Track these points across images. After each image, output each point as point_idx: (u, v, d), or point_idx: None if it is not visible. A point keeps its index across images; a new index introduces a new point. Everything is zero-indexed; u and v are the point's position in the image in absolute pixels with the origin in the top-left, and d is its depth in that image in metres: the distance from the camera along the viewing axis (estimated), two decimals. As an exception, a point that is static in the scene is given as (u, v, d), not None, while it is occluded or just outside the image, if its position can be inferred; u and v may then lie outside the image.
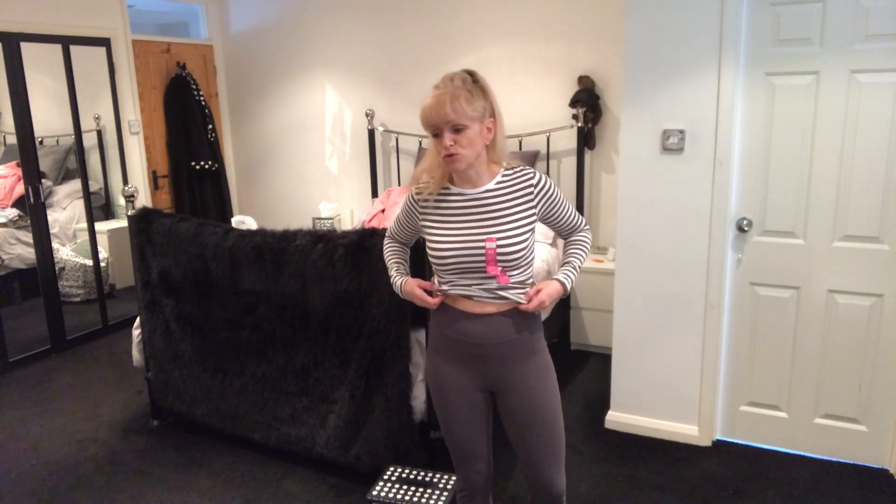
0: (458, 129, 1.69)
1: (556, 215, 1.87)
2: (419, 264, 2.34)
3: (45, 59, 4.26)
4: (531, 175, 1.81)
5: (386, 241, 2.06)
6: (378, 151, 5.02)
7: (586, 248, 1.95)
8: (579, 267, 1.92)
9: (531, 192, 1.80)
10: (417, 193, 1.85)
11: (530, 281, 1.84)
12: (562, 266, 1.92)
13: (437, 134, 1.72)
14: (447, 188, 1.82)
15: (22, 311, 4.38)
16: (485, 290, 1.78)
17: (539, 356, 1.87)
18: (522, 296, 1.80)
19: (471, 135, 1.70)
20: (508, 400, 1.86)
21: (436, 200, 1.82)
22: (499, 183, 1.79)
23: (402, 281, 1.92)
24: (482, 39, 4.51)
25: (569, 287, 1.86)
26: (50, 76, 4.31)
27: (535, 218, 1.81)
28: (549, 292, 1.80)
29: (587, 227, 1.97)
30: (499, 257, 1.73)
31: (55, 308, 4.29)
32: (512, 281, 1.78)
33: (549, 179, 1.84)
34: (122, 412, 3.49)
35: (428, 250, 1.83)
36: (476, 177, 1.78)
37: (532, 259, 1.83)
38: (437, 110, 1.68)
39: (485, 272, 1.75)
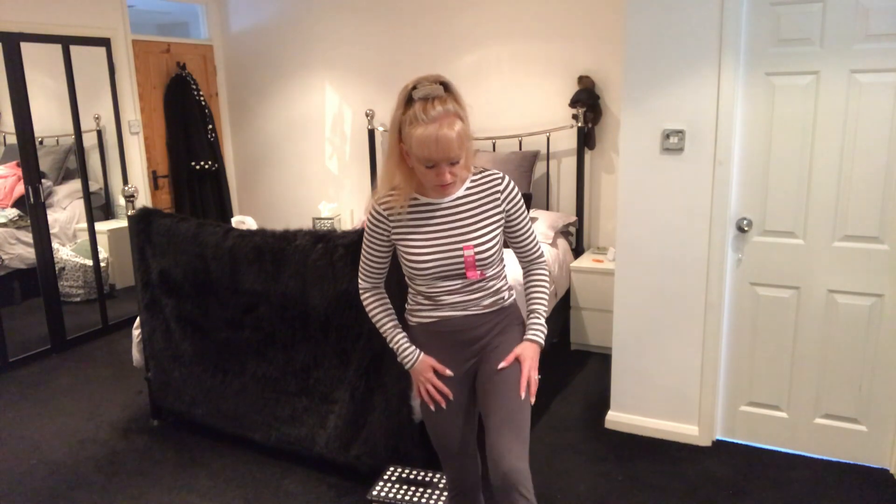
0: (454, 161, 1.68)
1: (515, 224, 1.85)
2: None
3: (45, 59, 4.26)
4: (498, 180, 1.81)
5: (363, 294, 1.94)
6: (378, 151, 5.02)
7: (547, 289, 1.92)
8: (545, 313, 1.91)
9: (498, 197, 1.81)
10: (388, 209, 1.79)
11: (503, 273, 1.88)
12: (528, 318, 1.90)
13: (430, 165, 1.67)
14: (416, 198, 1.80)
15: (22, 311, 4.38)
16: (467, 295, 1.81)
17: (516, 327, 1.90)
18: (499, 285, 1.86)
19: (463, 163, 1.71)
20: (481, 368, 1.86)
21: (407, 213, 1.79)
22: (468, 189, 1.80)
23: (415, 358, 1.87)
24: (482, 39, 4.51)
25: (543, 343, 1.87)
26: (50, 76, 4.31)
27: (503, 220, 1.83)
28: (530, 357, 1.83)
29: (544, 260, 1.94)
30: (477, 262, 1.76)
31: (55, 308, 4.29)
32: (488, 275, 1.82)
33: (515, 186, 1.84)
34: (122, 412, 3.49)
35: (403, 261, 1.81)
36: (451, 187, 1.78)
37: (502, 252, 1.86)
38: (443, 150, 1.63)
39: (464, 276, 1.78)
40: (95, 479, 2.88)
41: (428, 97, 1.63)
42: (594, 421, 3.20)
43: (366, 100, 5.04)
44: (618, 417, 3.13)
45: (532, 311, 1.90)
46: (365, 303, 1.94)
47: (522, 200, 1.85)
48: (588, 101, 4.11)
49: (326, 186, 5.42)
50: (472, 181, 1.81)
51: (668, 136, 2.78)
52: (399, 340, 1.89)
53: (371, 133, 4.97)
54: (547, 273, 1.94)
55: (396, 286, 2.07)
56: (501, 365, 1.82)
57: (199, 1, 5.46)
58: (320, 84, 5.24)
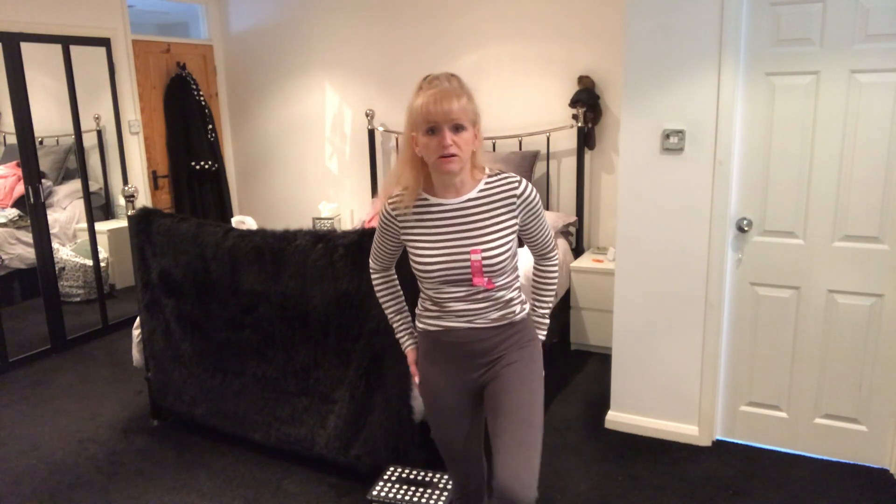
0: (458, 129, 1.63)
1: (533, 228, 1.80)
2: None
3: (45, 59, 4.26)
4: (515, 184, 1.74)
5: (373, 275, 1.95)
6: (378, 151, 5.03)
7: (555, 285, 1.90)
8: (550, 308, 1.90)
9: (513, 203, 1.73)
10: (395, 209, 1.77)
11: (516, 284, 1.81)
12: (534, 314, 1.89)
13: (432, 131, 1.63)
14: (425, 199, 1.75)
15: (22, 311, 4.38)
16: (475, 301, 1.76)
17: (526, 349, 1.84)
18: (510, 296, 1.79)
19: (467, 137, 1.65)
20: (490, 386, 1.81)
21: (415, 212, 1.75)
22: (481, 191, 1.73)
23: (405, 347, 1.94)
24: (482, 39, 4.51)
25: (544, 339, 1.89)
26: (50, 76, 4.31)
27: (517, 226, 1.76)
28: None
29: (556, 252, 1.91)
30: (484, 268, 1.70)
31: (55, 308, 4.29)
32: (497, 284, 1.75)
33: (533, 189, 1.76)
34: (122, 412, 3.49)
35: (412, 262, 1.77)
36: (460, 184, 1.72)
37: (516, 261, 1.80)
38: (441, 105, 1.60)
39: (471, 283, 1.72)
40: (95, 479, 2.88)
41: (436, 76, 1.68)
42: (594, 421, 3.20)
43: (366, 100, 5.03)
44: (618, 417, 3.13)
45: (540, 308, 1.89)
46: (374, 284, 1.96)
47: (540, 204, 1.78)
48: (588, 101, 4.10)
49: (326, 186, 5.42)
50: (487, 183, 1.74)
51: (668, 136, 2.78)
52: (398, 325, 1.93)
53: (371, 133, 4.97)
54: (557, 268, 1.91)
55: (407, 287, 2.04)
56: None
57: (199, 1, 5.46)
58: (320, 84, 5.24)
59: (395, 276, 1.96)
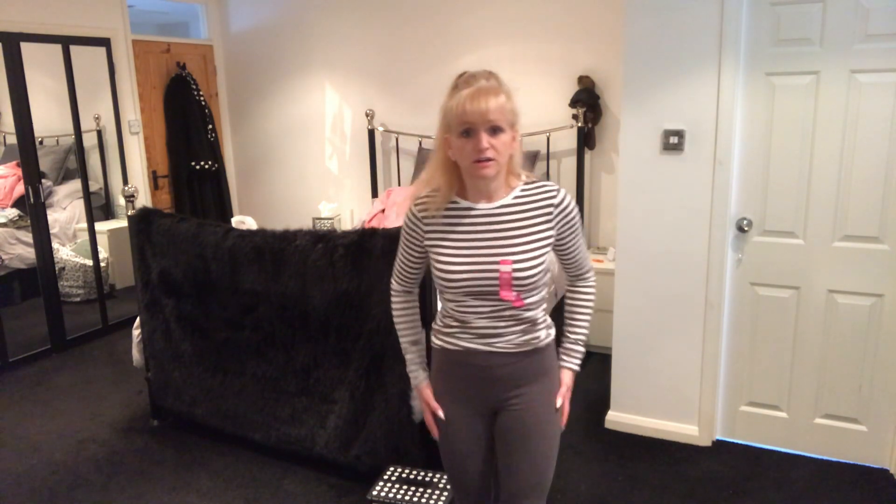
0: (495, 131, 1.51)
1: (569, 243, 1.67)
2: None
3: (45, 59, 4.26)
4: (553, 193, 1.61)
5: (393, 297, 1.82)
6: (378, 151, 5.02)
7: (591, 310, 1.78)
8: (586, 336, 1.79)
9: (550, 212, 1.60)
10: (422, 210, 1.64)
11: (544, 305, 1.70)
12: (568, 340, 1.78)
13: (466, 133, 1.51)
14: (455, 202, 1.62)
15: (22, 311, 4.38)
16: (498, 319, 1.63)
17: (547, 377, 1.73)
18: (537, 318, 1.67)
19: (505, 140, 1.53)
20: (506, 417, 1.70)
21: (443, 216, 1.62)
22: (516, 198, 1.61)
23: (417, 381, 1.80)
24: (482, 39, 4.51)
25: (578, 369, 1.77)
26: (50, 76, 4.31)
27: (552, 238, 1.62)
28: (568, 387, 1.77)
29: (593, 276, 1.78)
30: (514, 281, 1.56)
31: (55, 308, 4.29)
32: (526, 303, 1.61)
33: (572, 200, 1.64)
34: (122, 412, 3.49)
35: (434, 271, 1.64)
36: (494, 190, 1.60)
37: (548, 278, 1.66)
38: (478, 104, 1.48)
39: (498, 297, 1.58)
40: (95, 479, 2.88)
41: (473, 74, 1.57)
42: (594, 421, 3.20)
43: (366, 100, 5.03)
44: (618, 417, 3.13)
45: (573, 334, 1.78)
46: (393, 305, 1.83)
47: (579, 217, 1.65)
48: (588, 101, 4.10)
49: (326, 186, 5.42)
50: (524, 189, 1.62)
51: (668, 136, 2.78)
52: (412, 358, 1.80)
53: (371, 133, 4.97)
54: (593, 292, 1.79)
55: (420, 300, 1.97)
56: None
57: (199, 1, 5.46)
58: (320, 84, 5.24)
59: (417, 303, 1.83)
